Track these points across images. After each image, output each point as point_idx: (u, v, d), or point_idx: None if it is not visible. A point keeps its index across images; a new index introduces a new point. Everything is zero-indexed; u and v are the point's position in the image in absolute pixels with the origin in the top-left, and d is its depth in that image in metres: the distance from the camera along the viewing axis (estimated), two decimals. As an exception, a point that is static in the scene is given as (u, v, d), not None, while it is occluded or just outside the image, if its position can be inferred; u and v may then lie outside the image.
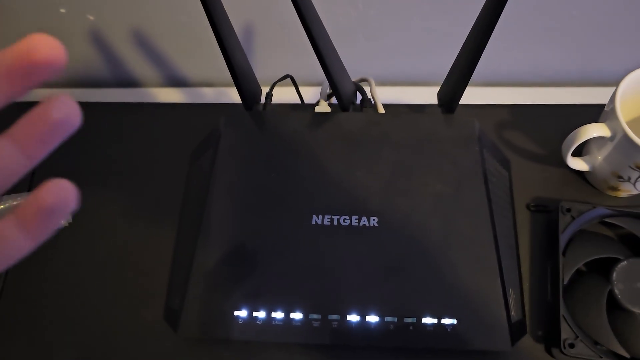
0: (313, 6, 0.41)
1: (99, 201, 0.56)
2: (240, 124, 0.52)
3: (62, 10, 0.62)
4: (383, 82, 0.67)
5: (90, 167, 0.59)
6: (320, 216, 0.48)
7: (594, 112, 0.51)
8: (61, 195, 0.20)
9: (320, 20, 0.43)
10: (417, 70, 0.68)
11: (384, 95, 0.57)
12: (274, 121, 0.52)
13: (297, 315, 0.45)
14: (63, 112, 0.20)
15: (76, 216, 0.55)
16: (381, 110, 0.54)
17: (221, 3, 0.43)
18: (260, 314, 0.45)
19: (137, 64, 0.71)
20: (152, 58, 0.70)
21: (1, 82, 0.18)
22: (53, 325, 0.51)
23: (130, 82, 0.73)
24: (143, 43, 0.67)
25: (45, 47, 0.18)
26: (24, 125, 0.20)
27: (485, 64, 0.58)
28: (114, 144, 0.61)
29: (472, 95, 0.58)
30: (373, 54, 0.67)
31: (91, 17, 0.63)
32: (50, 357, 0.50)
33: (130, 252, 0.54)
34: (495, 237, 0.47)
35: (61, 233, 0.54)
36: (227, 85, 0.64)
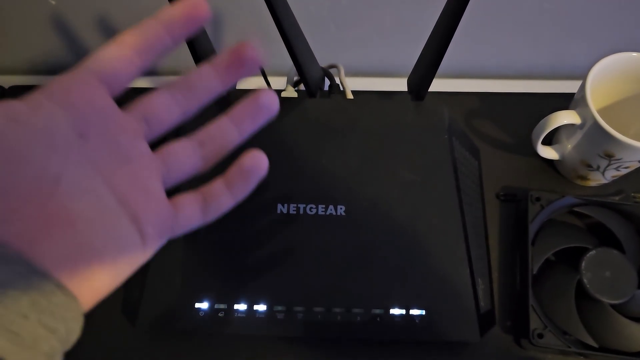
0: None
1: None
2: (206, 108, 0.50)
3: None
4: (354, 73, 0.66)
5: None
6: (285, 205, 0.46)
7: (564, 101, 0.50)
8: (257, 161, 0.30)
9: (287, 4, 0.42)
10: (388, 60, 0.67)
11: (353, 84, 0.55)
12: (238, 107, 0.50)
13: (260, 307, 0.43)
14: (268, 99, 0.29)
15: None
16: (350, 96, 0.52)
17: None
18: (222, 306, 0.43)
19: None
20: None
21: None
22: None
23: None
24: (107, 30, 0.64)
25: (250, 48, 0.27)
26: (239, 108, 0.29)
27: (456, 56, 0.57)
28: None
29: (443, 87, 0.57)
30: (344, 43, 0.65)
31: (53, 2, 0.61)
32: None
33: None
34: (464, 226, 0.46)
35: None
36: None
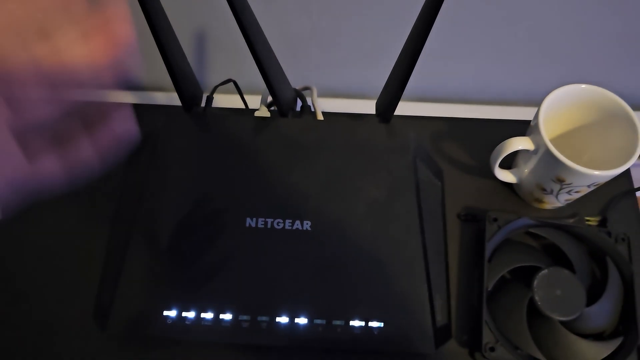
0: (252, 13, 0.42)
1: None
2: (180, 125, 0.52)
3: None
4: (332, 94, 0.69)
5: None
6: (254, 219, 0.48)
7: (523, 128, 0.53)
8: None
9: (260, 27, 0.44)
10: (364, 83, 0.70)
11: (327, 105, 0.58)
12: (212, 123, 0.53)
13: (226, 316, 0.45)
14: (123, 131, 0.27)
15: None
16: (320, 117, 0.55)
17: (160, 4, 0.44)
18: (190, 314, 0.45)
19: None
20: None
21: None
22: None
23: None
24: None
25: None
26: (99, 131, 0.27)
27: (426, 80, 0.60)
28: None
29: (411, 110, 0.60)
30: (323, 64, 0.68)
31: None
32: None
33: (61, 249, 0.53)
34: (423, 243, 0.49)
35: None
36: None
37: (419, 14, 0.42)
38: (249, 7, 0.42)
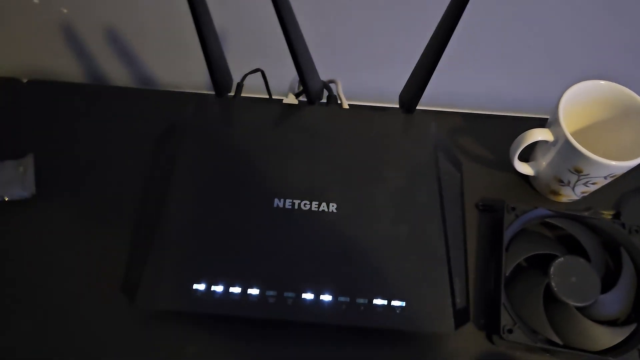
0: (289, 3, 0.44)
1: (64, 174, 0.57)
2: (211, 110, 0.54)
3: (36, 1, 0.64)
4: (347, 97, 0.71)
5: (60, 143, 0.60)
6: (282, 200, 0.50)
7: (541, 124, 0.55)
8: None
9: (295, 18, 0.46)
10: (380, 87, 0.72)
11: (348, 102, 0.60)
12: (243, 109, 0.55)
13: (254, 291, 0.47)
14: None
15: (42, 185, 0.56)
16: (346, 107, 0.57)
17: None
18: (218, 288, 0.47)
19: (105, 61, 0.72)
20: (122, 57, 0.72)
21: None
22: (12, 293, 0.51)
23: (97, 79, 0.75)
24: (115, 41, 0.69)
25: None
26: None
27: (443, 87, 0.62)
28: (82, 124, 0.62)
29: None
30: (339, 67, 0.70)
31: (65, 10, 0.65)
32: (8, 326, 0.50)
33: (91, 226, 0.55)
34: (444, 229, 0.50)
35: (27, 202, 0.55)
36: (195, 89, 0.66)
37: (447, 7, 0.45)
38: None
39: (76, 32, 0.68)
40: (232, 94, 0.57)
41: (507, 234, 0.53)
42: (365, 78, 0.71)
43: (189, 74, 0.72)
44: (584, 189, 0.53)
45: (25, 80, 0.66)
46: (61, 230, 0.54)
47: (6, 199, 0.54)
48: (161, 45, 0.69)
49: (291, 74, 0.58)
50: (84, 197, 0.56)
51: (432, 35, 0.48)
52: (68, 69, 0.73)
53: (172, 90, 0.69)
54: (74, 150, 0.60)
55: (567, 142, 0.49)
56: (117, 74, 0.74)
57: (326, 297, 0.47)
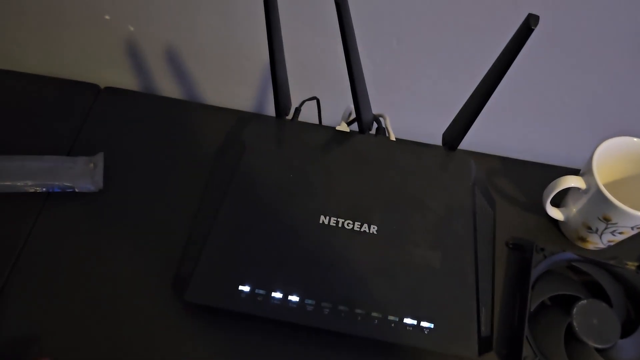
0: (355, 39, 0.50)
1: (129, 173, 0.63)
2: (271, 130, 0.60)
3: (107, 17, 0.71)
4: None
5: (128, 145, 0.66)
6: (327, 217, 0.54)
7: (571, 173, 0.59)
8: None
9: (359, 54, 0.51)
10: (420, 128, 0.76)
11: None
12: (298, 131, 0.60)
13: (294, 298, 0.51)
14: None
15: (109, 181, 0.61)
16: (393, 139, 0.61)
17: (278, 19, 0.51)
18: (261, 292, 0.51)
19: (164, 78, 0.79)
20: (179, 75, 0.78)
21: None
22: (68, 287, 0.56)
23: (152, 90, 0.82)
24: (173, 60, 0.75)
25: None
26: None
27: (481, 135, 0.66)
28: (149, 130, 0.68)
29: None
30: (383, 107, 0.75)
31: (132, 28, 0.72)
32: (60, 311, 0.55)
33: (148, 223, 0.60)
34: (476, 260, 0.54)
35: (94, 195, 0.60)
36: (244, 110, 0.73)
37: (502, 51, 0.49)
38: (354, 35, 0.49)
39: (139, 47, 0.74)
40: (289, 117, 0.62)
41: (534, 273, 0.56)
42: (408, 116, 0.76)
43: (236, 95, 0.79)
44: (611, 237, 0.56)
45: (103, 87, 0.72)
46: (121, 223, 0.59)
47: (76, 190, 0.60)
48: (213, 66, 0.76)
49: (340, 104, 0.63)
50: (145, 196, 0.61)
51: (480, 82, 0.53)
52: (129, 79, 0.80)
53: (229, 108, 0.75)
54: (140, 152, 0.65)
55: (599, 190, 0.52)
56: (170, 88, 0.81)
57: (360, 311, 0.50)
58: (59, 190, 0.60)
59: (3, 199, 0.59)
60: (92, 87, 0.72)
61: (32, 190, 0.59)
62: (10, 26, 0.76)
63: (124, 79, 0.80)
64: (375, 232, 0.54)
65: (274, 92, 0.56)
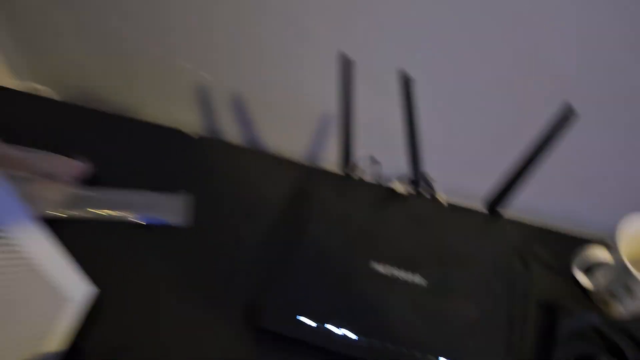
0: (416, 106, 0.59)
1: (215, 213, 0.74)
2: (335, 184, 0.70)
3: (188, 66, 0.84)
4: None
5: (216, 187, 0.78)
6: (379, 264, 0.63)
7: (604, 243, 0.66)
8: None
9: (419, 120, 0.61)
10: (464, 187, 0.81)
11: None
12: (359, 187, 0.70)
13: (343, 331, 0.59)
14: None
15: (197, 218, 0.72)
16: (444, 203, 0.70)
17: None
18: (314, 323, 0.59)
19: (229, 124, 0.92)
20: (244, 123, 0.91)
21: None
22: (142, 301, 0.66)
23: (214, 133, 0.95)
24: (240, 108, 0.87)
25: None
26: None
27: (522, 202, 0.74)
28: (232, 176, 0.79)
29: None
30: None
31: (208, 77, 0.85)
32: (132, 335, 0.65)
33: (226, 257, 0.70)
34: (509, 318, 0.61)
35: (183, 229, 0.71)
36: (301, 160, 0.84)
37: (546, 131, 0.57)
38: (415, 101, 0.59)
39: (211, 94, 0.87)
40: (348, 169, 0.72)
41: (561, 332, 0.62)
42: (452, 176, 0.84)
43: (294, 145, 0.90)
44: (634, 306, 0.63)
45: (196, 137, 0.85)
46: (203, 256, 0.69)
47: (169, 223, 0.71)
48: (277, 116, 0.87)
49: (390, 163, 0.73)
50: (226, 234, 0.71)
51: (525, 156, 0.61)
52: (197, 123, 0.93)
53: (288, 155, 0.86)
54: (224, 195, 0.76)
55: (623, 264, 0.59)
56: (233, 133, 0.94)
57: (405, 349, 0.58)
58: (154, 223, 0.71)
59: (109, 225, 0.71)
60: (182, 134, 0.84)
61: (133, 220, 0.71)
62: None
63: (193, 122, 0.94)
64: (422, 283, 0.62)
65: (344, 149, 0.67)
